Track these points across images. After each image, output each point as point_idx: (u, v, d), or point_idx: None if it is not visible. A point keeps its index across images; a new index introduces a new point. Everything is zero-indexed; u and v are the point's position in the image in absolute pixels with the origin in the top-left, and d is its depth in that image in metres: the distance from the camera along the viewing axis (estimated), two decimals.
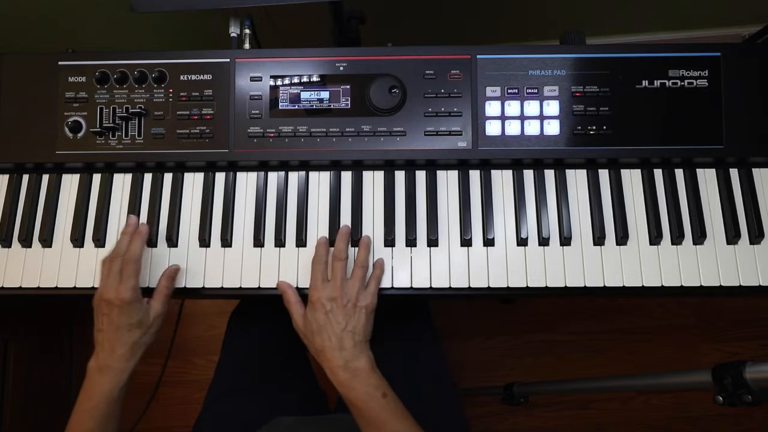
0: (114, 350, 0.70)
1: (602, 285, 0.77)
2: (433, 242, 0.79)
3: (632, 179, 0.81)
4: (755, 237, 0.78)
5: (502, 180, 0.81)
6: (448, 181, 0.82)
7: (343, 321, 0.70)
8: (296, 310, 0.74)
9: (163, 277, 0.76)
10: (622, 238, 0.78)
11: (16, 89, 0.82)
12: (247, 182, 0.82)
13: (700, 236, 0.78)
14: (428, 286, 0.77)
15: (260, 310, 1.02)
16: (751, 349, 1.59)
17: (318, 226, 0.80)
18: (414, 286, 0.77)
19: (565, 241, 0.78)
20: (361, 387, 0.68)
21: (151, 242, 0.80)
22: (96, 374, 0.70)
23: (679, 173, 0.81)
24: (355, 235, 0.79)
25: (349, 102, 0.80)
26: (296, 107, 0.80)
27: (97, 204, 0.82)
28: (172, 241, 0.80)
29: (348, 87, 0.80)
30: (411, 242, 0.79)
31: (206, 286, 0.78)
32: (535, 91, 0.80)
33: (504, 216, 0.80)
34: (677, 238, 0.78)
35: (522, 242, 0.78)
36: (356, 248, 0.78)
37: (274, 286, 0.78)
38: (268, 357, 0.95)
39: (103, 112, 0.81)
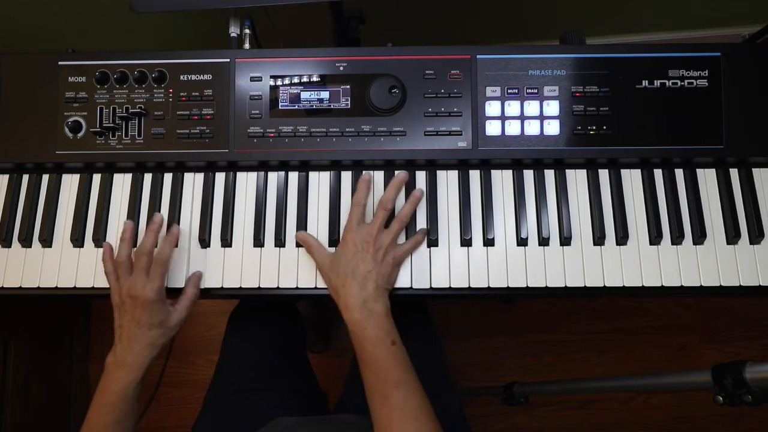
0: (132, 346, 0.71)
1: (602, 285, 0.77)
2: (433, 242, 0.79)
3: (632, 179, 0.81)
4: (755, 237, 0.78)
5: (502, 180, 0.81)
6: (448, 181, 0.82)
7: (371, 264, 0.71)
8: (320, 251, 0.75)
9: (189, 284, 0.77)
10: (622, 238, 0.78)
11: (16, 89, 0.82)
12: (247, 182, 0.82)
13: (700, 236, 0.78)
14: (428, 286, 0.77)
15: (260, 311, 1.02)
16: (751, 349, 1.59)
17: (318, 226, 0.80)
18: (414, 286, 0.77)
19: (565, 241, 0.78)
20: (372, 329, 0.68)
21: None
22: (113, 369, 0.71)
23: (679, 173, 0.81)
24: None
25: (349, 102, 0.80)
26: (296, 107, 0.80)
27: (97, 204, 0.82)
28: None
29: (348, 87, 0.80)
30: None
31: (206, 286, 0.78)
32: (535, 91, 0.80)
33: (504, 216, 0.80)
34: (677, 238, 0.78)
35: (522, 242, 0.78)
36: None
37: (275, 286, 0.78)
38: (268, 357, 0.95)
39: (103, 112, 0.81)
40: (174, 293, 0.78)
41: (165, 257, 0.74)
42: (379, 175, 0.82)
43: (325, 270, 0.74)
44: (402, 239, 0.77)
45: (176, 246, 0.78)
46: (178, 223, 0.81)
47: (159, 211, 0.81)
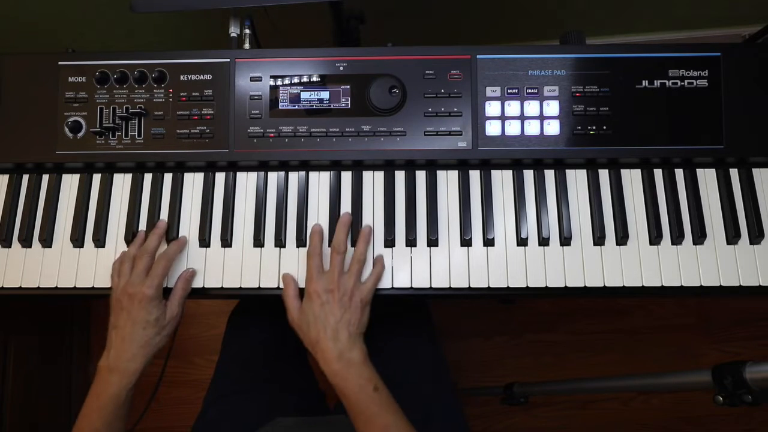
0: (125, 349, 0.71)
1: (602, 285, 0.77)
2: (433, 242, 0.79)
3: (632, 179, 0.81)
4: (755, 237, 0.78)
5: (502, 180, 0.81)
6: (448, 181, 0.82)
7: (339, 313, 0.70)
8: (293, 303, 0.74)
9: (179, 280, 0.77)
10: (622, 238, 0.78)
11: (16, 89, 0.82)
12: (247, 182, 0.82)
13: (700, 236, 0.78)
14: (428, 286, 0.77)
15: (260, 310, 1.02)
16: (751, 349, 1.59)
17: None
18: (414, 286, 0.77)
19: (565, 241, 0.78)
20: (353, 378, 0.68)
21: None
22: (106, 374, 0.71)
23: (679, 173, 0.81)
24: (355, 235, 0.79)
25: (349, 102, 0.80)
26: (296, 107, 0.80)
27: (97, 204, 0.82)
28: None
29: (348, 87, 0.80)
30: (411, 242, 0.79)
31: (206, 286, 0.78)
32: (535, 91, 0.80)
33: (504, 216, 0.80)
34: (677, 238, 0.78)
35: (522, 242, 0.78)
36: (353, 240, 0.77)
37: (275, 285, 0.78)
38: (268, 357, 0.95)
39: (103, 112, 0.81)
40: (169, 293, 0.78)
41: (170, 256, 0.75)
42: (379, 176, 0.82)
43: (295, 323, 0.73)
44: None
45: (181, 252, 0.78)
46: (178, 223, 0.81)
47: (159, 211, 0.81)
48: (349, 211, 0.79)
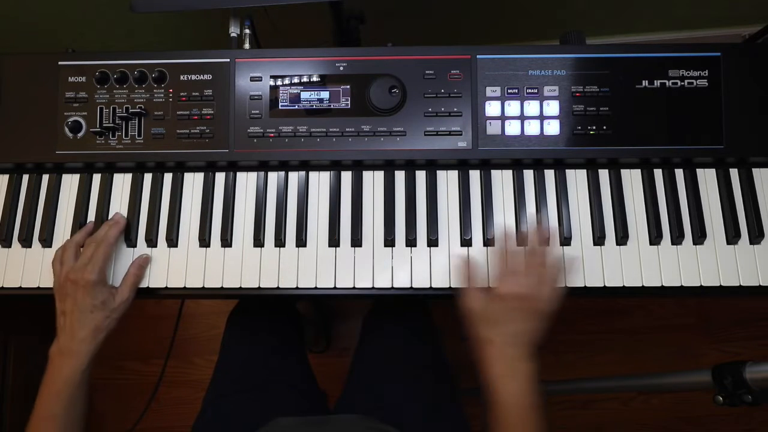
0: (75, 333, 0.70)
1: (602, 285, 0.77)
2: (433, 242, 0.79)
3: (632, 179, 0.81)
4: (755, 237, 0.78)
5: (502, 180, 0.81)
6: (448, 181, 0.82)
7: (524, 322, 0.67)
8: (475, 292, 0.70)
9: (132, 265, 0.77)
10: (622, 238, 0.78)
11: (16, 89, 0.82)
12: (247, 182, 0.82)
13: (700, 236, 0.78)
14: (428, 286, 0.77)
15: (259, 310, 1.02)
16: (751, 349, 1.59)
17: (318, 226, 0.80)
18: (414, 286, 0.77)
19: (565, 241, 0.78)
20: (516, 388, 0.66)
21: (151, 242, 0.80)
22: (57, 358, 0.70)
23: (679, 173, 0.81)
24: (355, 235, 0.79)
25: (349, 102, 0.80)
26: (296, 107, 0.80)
27: (97, 204, 0.82)
28: (172, 241, 0.79)
29: (348, 87, 0.80)
30: (411, 242, 0.79)
31: (206, 286, 0.78)
32: (535, 91, 0.80)
33: (504, 216, 0.80)
34: (677, 238, 0.78)
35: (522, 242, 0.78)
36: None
37: (274, 285, 0.78)
38: (268, 357, 0.95)
39: (103, 112, 0.81)
40: (175, 294, 0.78)
41: (110, 240, 0.75)
42: (379, 175, 0.82)
43: (474, 313, 0.70)
44: None
45: (122, 234, 0.79)
46: (179, 223, 0.81)
47: (159, 210, 0.81)
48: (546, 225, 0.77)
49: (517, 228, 0.79)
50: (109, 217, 0.81)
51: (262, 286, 0.78)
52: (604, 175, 0.81)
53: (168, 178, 0.83)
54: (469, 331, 0.70)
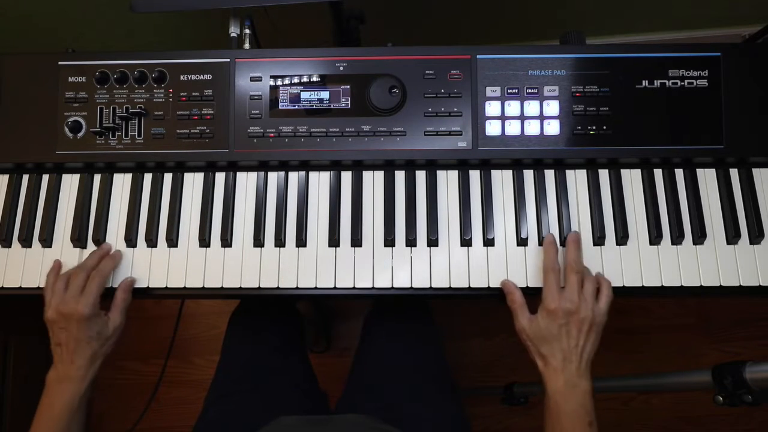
0: (73, 361, 0.71)
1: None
2: (433, 242, 0.79)
3: (632, 179, 0.81)
4: (755, 237, 0.78)
5: (502, 180, 0.81)
6: (448, 181, 0.82)
7: (576, 338, 0.69)
8: (523, 313, 0.72)
9: (119, 289, 0.77)
10: (622, 238, 0.78)
11: (16, 89, 0.82)
12: (247, 182, 0.82)
13: (700, 236, 0.78)
14: (428, 286, 0.77)
15: (260, 310, 1.02)
16: (751, 349, 1.59)
17: (318, 226, 0.80)
18: (414, 286, 0.77)
19: (566, 241, 0.78)
20: (573, 403, 0.67)
21: (151, 242, 0.80)
22: (56, 385, 0.71)
23: (679, 173, 0.81)
24: (355, 235, 0.79)
25: (349, 102, 0.80)
26: (296, 107, 0.80)
27: (97, 204, 0.82)
28: (172, 241, 0.80)
29: (348, 87, 0.80)
30: (411, 242, 0.79)
31: (206, 286, 0.78)
32: (535, 91, 0.80)
33: (504, 216, 0.80)
34: (677, 238, 0.78)
35: (522, 242, 0.78)
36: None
37: (274, 285, 0.78)
38: (269, 357, 0.95)
39: (103, 112, 0.81)
40: (175, 294, 0.78)
41: (105, 272, 0.75)
42: (379, 175, 0.82)
43: (525, 333, 0.72)
44: None
45: (116, 267, 0.78)
46: (179, 223, 0.81)
47: (159, 210, 0.81)
48: (578, 231, 0.77)
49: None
50: (109, 215, 0.81)
51: (262, 286, 0.78)
52: (604, 175, 0.81)
53: (168, 178, 0.83)
54: (525, 347, 0.73)
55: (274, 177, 0.82)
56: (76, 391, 0.70)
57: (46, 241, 0.81)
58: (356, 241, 0.79)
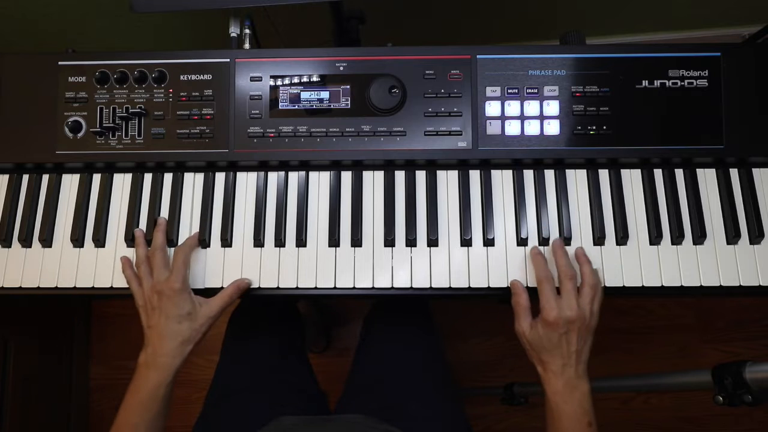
0: (163, 345, 0.71)
1: (602, 285, 0.77)
2: (433, 242, 0.79)
3: (632, 179, 0.81)
4: (755, 237, 0.78)
5: (502, 180, 0.81)
6: (448, 181, 0.82)
7: (576, 344, 0.70)
8: (526, 317, 0.73)
9: (232, 285, 0.76)
10: (622, 238, 0.78)
11: (16, 89, 0.82)
12: (247, 182, 0.82)
13: (700, 236, 0.78)
14: (428, 286, 0.77)
15: (260, 311, 1.02)
16: (751, 349, 1.59)
17: (318, 226, 0.80)
18: (414, 286, 0.77)
19: (565, 241, 0.78)
20: (573, 404, 0.69)
21: (151, 242, 0.80)
22: (143, 369, 0.71)
23: (679, 173, 0.81)
24: (355, 235, 0.79)
25: (349, 102, 0.80)
26: (296, 107, 0.80)
27: (97, 204, 0.82)
28: (172, 241, 0.79)
29: (348, 87, 0.80)
30: (411, 242, 0.79)
31: (206, 286, 0.78)
32: (535, 91, 0.80)
33: (504, 216, 0.80)
34: (677, 238, 0.78)
35: (522, 242, 0.78)
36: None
37: (275, 286, 0.78)
38: (269, 357, 0.95)
39: (103, 112, 0.81)
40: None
41: (186, 248, 0.76)
42: (379, 175, 0.82)
43: (526, 338, 0.72)
44: None
45: (196, 245, 0.79)
46: (178, 223, 0.81)
47: (159, 211, 0.81)
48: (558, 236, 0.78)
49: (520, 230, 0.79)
50: (109, 215, 0.81)
51: (262, 286, 0.78)
52: (604, 175, 0.81)
53: (168, 178, 0.83)
54: (524, 349, 0.74)
55: (274, 177, 0.82)
56: (162, 380, 0.70)
57: (46, 241, 0.81)
58: (356, 241, 0.79)
